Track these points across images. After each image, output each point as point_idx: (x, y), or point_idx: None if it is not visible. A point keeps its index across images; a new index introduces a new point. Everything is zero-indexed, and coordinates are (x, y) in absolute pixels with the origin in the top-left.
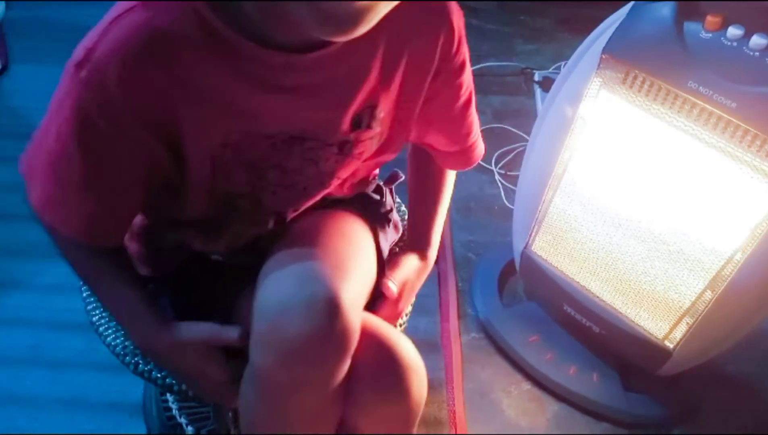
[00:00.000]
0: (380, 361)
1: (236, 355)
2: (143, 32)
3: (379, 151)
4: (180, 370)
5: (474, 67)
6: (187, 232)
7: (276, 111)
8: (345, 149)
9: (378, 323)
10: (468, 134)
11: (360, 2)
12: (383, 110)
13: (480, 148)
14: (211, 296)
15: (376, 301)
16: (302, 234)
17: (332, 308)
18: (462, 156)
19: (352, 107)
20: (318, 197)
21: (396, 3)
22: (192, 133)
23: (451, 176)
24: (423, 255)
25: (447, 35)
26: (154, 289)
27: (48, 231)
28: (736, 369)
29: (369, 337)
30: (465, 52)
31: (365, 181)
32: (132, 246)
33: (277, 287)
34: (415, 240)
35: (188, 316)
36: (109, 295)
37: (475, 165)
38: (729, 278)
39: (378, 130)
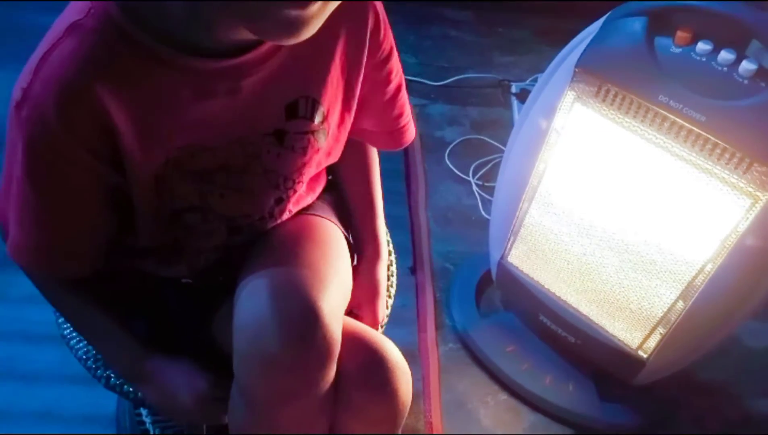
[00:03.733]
0: (366, 363)
1: (223, 373)
2: (73, 63)
3: (329, 150)
4: (164, 394)
5: (452, 79)
6: (147, 261)
7: (214, 118)
8: (285, 142)
9: (360, 327)
10: (400, 116)
11: (311, 7)
12: (327, 106)
13: (411, 130)
14: (188, 318)
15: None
16: (275, 245)
17: (311, 319)
18: (392, 137)
19: (283, 97)
20: (271, 200)
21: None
22: (134, 154)
23: (376, 163)
24: (377, 258)
25: (374, 23)
26: (129, 312)
27: (26, 274)
28: (710, 376)
29: (352, 340)
30: (391, 37)
31: (318, 179)
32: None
33: (254, 303)
34: (366, 247)
35: (166, 338)
36: (90, 330)
37: (405, 146)
38: (700, 288)
39: (320, 123)
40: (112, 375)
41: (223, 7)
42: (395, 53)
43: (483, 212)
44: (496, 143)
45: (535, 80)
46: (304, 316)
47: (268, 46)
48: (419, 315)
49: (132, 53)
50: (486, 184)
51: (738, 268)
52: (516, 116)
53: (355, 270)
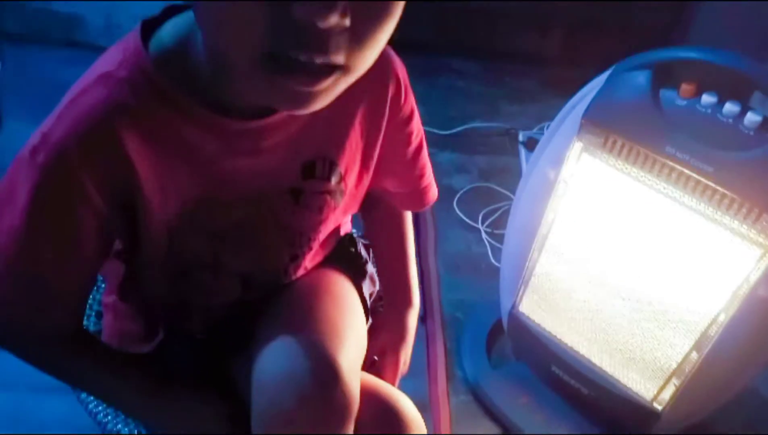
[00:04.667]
0: (382, 419)
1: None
2: (100, 109)
3: (346, 208)
4: (187, 418)
5: (460, 128)
6: (159, 315)
7: (234, 175)
8: (301, 200)
9: (376, 382)
10: (421, 177)
11: (320, 84)
12: (344, 168)
13: (433, 190)
14: (198, 374)
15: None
16: (290, 300)
17: (331, 378)
18: (415, 197)
19: (301, 157)
20: (285, 257)
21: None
22: (152, 203)
23: (409, 217)
24: (409, 305)
25: (395, 88)
26: (140, 365)
27: (17, 345)
28: (727, 428)
29: (369, 396)
30: (412, 101)
31: (333, 235)
32: (118, 323)
33: (272, 361)
34: (396, 294)
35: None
36: (96, 382)
37: (427, 206)
38: (714, 339)
39: (336, 184)
40: (123, 427)
41: (241, 79)
42: (416, 115)
43: (493, 260)
44: (504, 191)
45: (542, 129)
46: (323, 373)
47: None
48: (430, 366)
49: (161, 105)
50: (495, 231)
51: (752, 318)
52: (524, 164)
53: (384, 317)
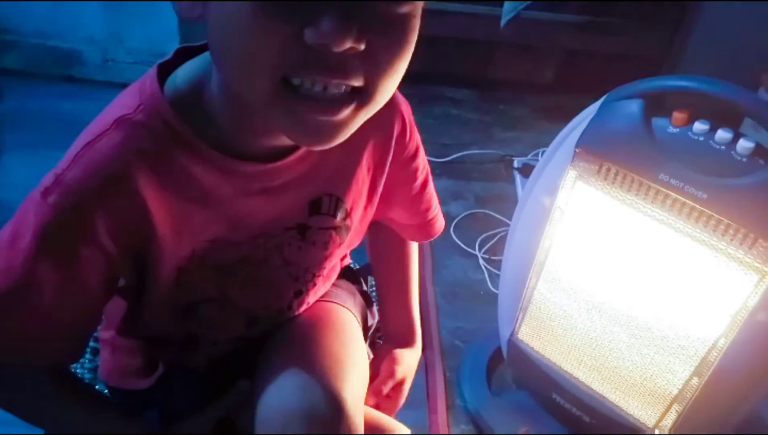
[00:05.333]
0: None
1: None
2: (118, 153)
3: (350, 243)
4: None
5: (456, 155)
6: (162, 350)
7: (246, 215)
8: (307, 236)
9: (377, 415)
10: (427, 210)
11: (341, 113)
12: (350, 205)
13: (440, 222)
14: (199, 408)
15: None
16: (294, 335)
17: (336, 412)
18: (422, 229)
19: (308, 194)
20: (290, 292)
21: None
22: (164, 247)
23: (414, 250)
24: (412, 341)
25: (400, 126)
26: (141, 401)
27: None
28: None
29: (371, 429)
30: (417, 138)
31: (334, 268)
32: (117, 358)
33: (277, 396)
34: (399, 328)
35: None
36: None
37: (433, 238)
38: (714, 364)
39: (342, 220)
40: None
41: (262, 114)
42: (421, 151)
43: (491, 286)
44: (500, 217)
45: (537, 155)
46: (328, 408)
47: (301, 151)
48: (429, 395)
49: (178, 149)
50: (492, 257)
51: (752, 343)
52: (519, 190)
53: (384, 352)
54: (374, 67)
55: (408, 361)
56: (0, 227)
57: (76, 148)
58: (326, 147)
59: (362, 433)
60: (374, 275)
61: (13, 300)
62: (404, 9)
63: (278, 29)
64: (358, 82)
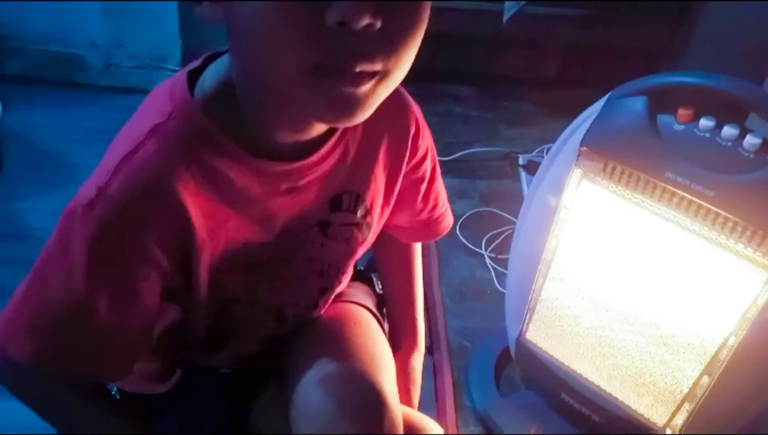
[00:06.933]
0: None
1: None
2: (157, 163)
3: (370, 242)
4: None
5: (460, 153)
6: (189, 351)
7: (274, 214)
8: (329, 232)
9: (412, 413)
10: (434, 207)
11: (363, 86)
12: (370, 202)
13: (447, 220)
14: (224, 409)
15: None
16: (324, 333)
17: (378, 405)
18: (429, 227)
19: (329, 191)
20: (316, 289)
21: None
22: (202, 250)
23: (418, 255)
24: (415, 345)
25: (415, 128)
26: (159, 406)
27: (28, 391)
28: None
29: (407, 427)
30: (428, 140)
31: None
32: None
33: (317, 393)
34: (403, 336)
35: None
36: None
37: (442, 235)
38: (725, 362)
39: (362, 217)
40: None
41: (289, 99)
42: (431, 151)
43: (498, 285)
44: (506, 215)
45: (542, 151)
46: (370, 403)
47: (325, 149)
48: (438, 397)
49: (212, 152)
50: (499, 256)
51: (762, 340)
52: (525, 187)
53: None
54: (392, 47)
55: (413, 365)
56: (5, 235)
57: (115, 160)
58: (350, 123)
59: (402, 427)
60: (380, 279)
61: (70, 316)
62: None
63: (301, 18)
64: (377, 66)
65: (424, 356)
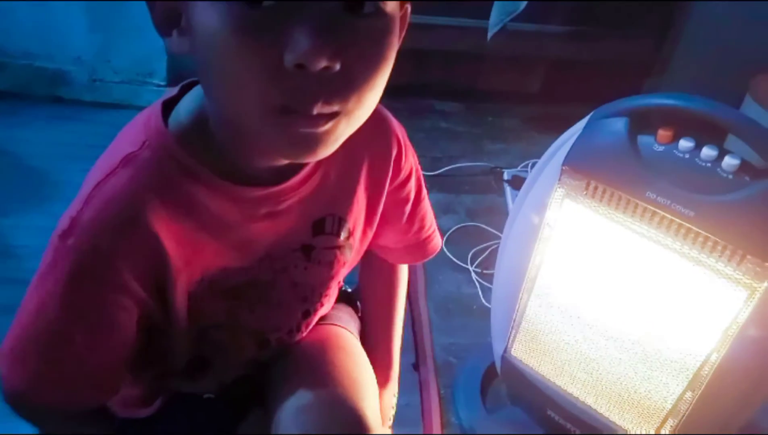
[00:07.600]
0: None
1: None
2: (128, 192)
3: (352, 263)
4: None
5: (445, 168)
6: (170, 376)
7: (253, 239)
8: (312, 256)
9: None
10: (421, 229)
11: (321, 128)
12: (352, 224)
13: (435, 242)
14: (206, 434)
15: None
16: (307, 357)
17: (364, 429)
18: (416, 249)
19: (311, 215)
20: (299, 313)
21: (355, 128)
22: (178, 278)
23: (404, 280)
24: (387, 380)
25: (397, 149)
26: (142, 430)
27: (30, 414)
28: None
29: None
30: (411, 159)
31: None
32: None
33: (300, 417)
34: (377, 364)
35: None
36: None
37: (430, 256)
38: (707, 379)
39: (345, 239)
40: None
41: (254, 136)
42: (416, 172)
43: (484, 301)
44: (492, 229)
45: (526, 166)
46: (354, 427)
47: (303, 173)
48: (424, 414)
49: (186, 181)
50: (485, 271)
51: (743, 357)
52: (509, 202)
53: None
54: (351, 88)
55: (384, 402)
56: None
57: (88, 189)
58: (314, 158)
59: None
60: (361, 303)
61: (50, 346)
62: (378, 25)
63: (260, 60)
64: (335, 108)
65: (404, 373)
